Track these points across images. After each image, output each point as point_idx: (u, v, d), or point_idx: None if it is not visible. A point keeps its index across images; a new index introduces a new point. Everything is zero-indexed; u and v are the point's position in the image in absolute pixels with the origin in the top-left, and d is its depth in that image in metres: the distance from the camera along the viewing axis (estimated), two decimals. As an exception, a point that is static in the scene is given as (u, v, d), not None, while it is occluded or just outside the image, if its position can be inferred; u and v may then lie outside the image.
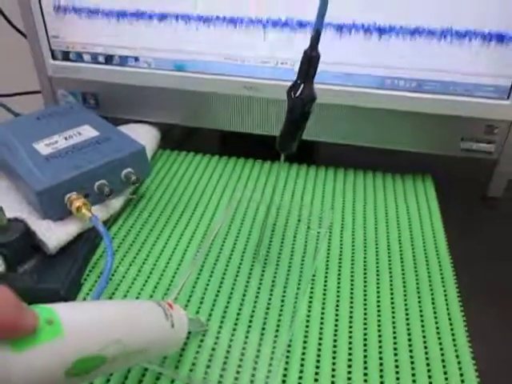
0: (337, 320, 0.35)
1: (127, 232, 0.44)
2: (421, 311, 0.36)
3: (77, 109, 0.51)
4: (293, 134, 0.35)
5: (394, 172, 0.52)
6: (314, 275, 0.39)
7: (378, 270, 0.39)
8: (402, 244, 0.42)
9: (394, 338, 0.34)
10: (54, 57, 0.54)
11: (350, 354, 0.33)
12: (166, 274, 0.39)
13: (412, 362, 0.32)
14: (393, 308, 0.36)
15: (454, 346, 0.33)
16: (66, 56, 0.53)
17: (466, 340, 0.34)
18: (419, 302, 0.37)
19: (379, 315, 0.36)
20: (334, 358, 0.32)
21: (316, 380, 0.31)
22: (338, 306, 0.36)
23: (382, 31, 0.44)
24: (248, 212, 0.46)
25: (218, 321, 0.35)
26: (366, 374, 0.31)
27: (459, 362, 0.32)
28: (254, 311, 0.36)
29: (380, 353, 0.33)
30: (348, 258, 0.41)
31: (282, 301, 0.37)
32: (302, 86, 0.32)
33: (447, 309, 0.36)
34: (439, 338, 0.34)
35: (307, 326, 0.35)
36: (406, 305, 0.36)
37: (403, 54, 0.44)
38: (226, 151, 0.56)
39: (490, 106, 0.45)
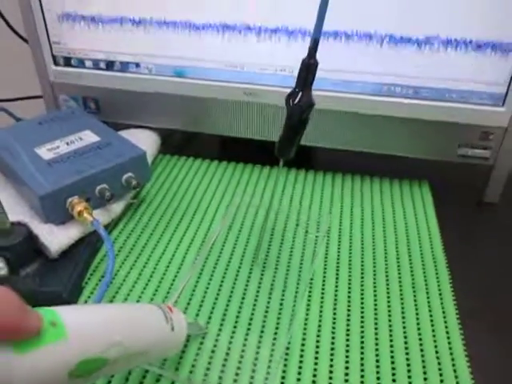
0: (334, 323, 0.36)
1: (128, 236, 0.44)
2: (417, 315, 0.36)
3: (78, 114, 0.52)
4: (291, 140, 0.35)
5: (391, 177, 0.53)
6: (311, 279, 0.39)
7: (374, 274, 0.40)
8: (398, 248, 0.43)
9: (391, 340, 0.34)
10: (55, 62, 0.54)
11: (347, 357, 0.33)
12: (166, 278, 0.40)
13: (408, 365, 0.33)
14: (389, 311, 0.37)
15: (450, 349, 0.34)
16: (67, 62, 0.54)
17: (462, 343, 0.34)
18: (415, 305, 0.37)
19: (376, 318, 0.36)
20: (331, 360, 0.33)
21: (314, 382, 0.32)
22: (335, 309, 0.37)
23: (379, 40, 0.44)
24: (247, 216, 0.46)
25: (218, 323, 0.35)
26: (362, 376, 0.32)
27: (454, 365, 0.33)
28: (253, 314, 0.36)
29: (377, 355, 0.33)
30: (345, 261, 0.41)
31: (281, 304, 0.37)
32: (300, 93, 0.33)
33: (443, 312, 0.37)
34: (435, 341, 0.34)
35: (305, 329, 0.35)
36: (402, 308, 0.37)
37: (400, 61, 0.45)
38: (225, 156, 0.56)
39: (485, 113, 0.46)
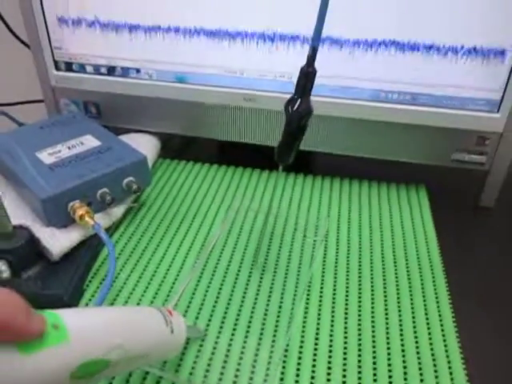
0: (332, 325, 0.36)
1: (128, 239, 0.45)
2: (413, 317, 0.37)
3: (79, 118, 0.52)
4: (290, 146, 0.36)
5: (388, 182, 0.53)
6: (310, 282, 0.40)
7: (372, 278, 0.41)
8: (395, 252, 0.43)
9: (388, 343, 0.35)
10: (57, 67, 0.55)
11: (344, 359, 0.34)
12: (166, 281, 0.40)
13: (404, 367, 0.33)
14: (386, 314, 0.37)
15: (446, 351, 0.34)
16: (68, 67, 0.55)
17: (457, 346, 0.35)
18: (412, 308, 0.38)
19: (373, 321, 0.37)
20: (329, 362, 0.33)
21: (312, 384, 0.32)
22: (333, 311, 0.37)
23: (377, 46, 0.45)
24: (246, 220, 0.47)
25: (217, 326, 0.36)
26: (360, 378, 0.32)
27: (450, 367, 0.33)
28: (252, 317, 0.37)
29: (374, 357, 0.34)
30: (343, 265, 0.42)
31: (280, 307, 0.38)
32: (299, 100, 0.34)
33: (439, 315, 0.37)
34: (431, 344, 0.35)
35: (303, 331, 0.36)
36: (399, 311, 0.38)
37: (397, 68, 0.46)
38: (224, 160, 0.57)
39: (481, 119, 0.46)
